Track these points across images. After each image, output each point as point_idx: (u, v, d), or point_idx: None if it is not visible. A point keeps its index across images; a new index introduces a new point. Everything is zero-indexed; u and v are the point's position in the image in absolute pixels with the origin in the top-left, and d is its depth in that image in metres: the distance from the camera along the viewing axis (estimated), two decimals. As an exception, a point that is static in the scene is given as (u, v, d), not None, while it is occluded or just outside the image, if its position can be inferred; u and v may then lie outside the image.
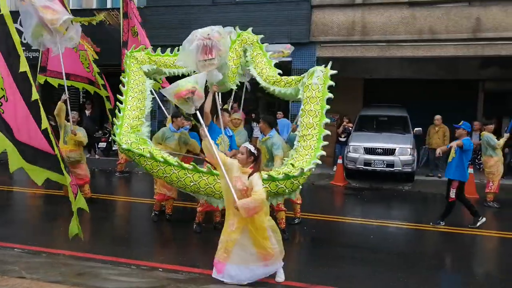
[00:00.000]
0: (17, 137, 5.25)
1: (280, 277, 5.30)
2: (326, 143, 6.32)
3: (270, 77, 7.48)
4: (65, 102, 8.39)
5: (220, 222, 7.12)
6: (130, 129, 6.75)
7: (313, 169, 6.09)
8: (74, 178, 6.03)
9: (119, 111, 7.06)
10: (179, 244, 6.91)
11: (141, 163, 6.39)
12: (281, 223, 6.98)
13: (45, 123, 5.18)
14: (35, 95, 5.13)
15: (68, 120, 8.60)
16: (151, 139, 7.14)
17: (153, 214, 7.95)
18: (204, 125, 5.71)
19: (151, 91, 7.85)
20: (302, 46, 13.10)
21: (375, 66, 14.91)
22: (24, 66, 5.09)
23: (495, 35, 12.40)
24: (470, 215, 7.99)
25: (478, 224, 7.82)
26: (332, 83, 6.66)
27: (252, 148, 5.22)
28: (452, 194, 7.81)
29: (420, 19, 12.82)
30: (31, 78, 5.16)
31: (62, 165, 5.25)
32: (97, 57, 11.14)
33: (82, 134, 8.69)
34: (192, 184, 6.05)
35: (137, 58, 7.81)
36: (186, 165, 6.14)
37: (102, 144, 15.04)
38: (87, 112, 15.05)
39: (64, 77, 8.68)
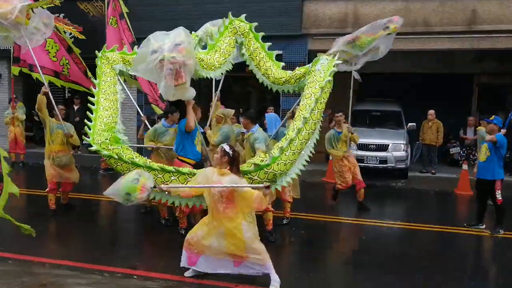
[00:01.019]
0: None
1: (275, 285, 4.98)
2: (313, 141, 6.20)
3: (278, 78, 7.07)
4: (46, 94, 7.58)
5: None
6: (105, 127, 6.46)
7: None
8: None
9: (91, 112, 6.75)
10: (160, 248, 6.57)
11: (111, 164, 6.20)
12: (268, 225, 6.68)
13: None
14: None
15: (52, 116, 7.85)
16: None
17: (163, 221, 7.36)
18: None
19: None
20: (294, 39, 12.77)
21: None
22: None
23: (491, 27, 12.12)
24: (468, 215, 7.75)
25: (474, 227, 7.51)
26: (335, 69, 6.43)
27: (227, 148, 5.07)
28: (499, 195, 7.23)
29: (414, 11, 12.50)
30: None
31: None
32: (83, 37, 10.44)
33: (72, 131, 7.96)
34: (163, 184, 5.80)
35: (108, 58, 7.38)
36: (155, 166, 5.94)
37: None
38: (76, 107, 14.63)
39: (39, 69, 7.97)
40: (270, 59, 7.26)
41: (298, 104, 6.52)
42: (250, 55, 7.16)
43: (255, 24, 7.35)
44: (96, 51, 7.66)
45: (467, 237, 7.29)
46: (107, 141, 6.21)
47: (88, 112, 6.78)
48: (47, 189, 7.84)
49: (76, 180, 8.10)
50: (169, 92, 5.71)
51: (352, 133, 8.68)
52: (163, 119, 7.67)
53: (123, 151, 6.15)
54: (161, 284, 5.12)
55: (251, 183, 5.62)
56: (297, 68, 7.12)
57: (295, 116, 6.32)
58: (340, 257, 6.25)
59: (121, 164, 6.08)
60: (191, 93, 5.96)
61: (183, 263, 5.26)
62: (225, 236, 5.00)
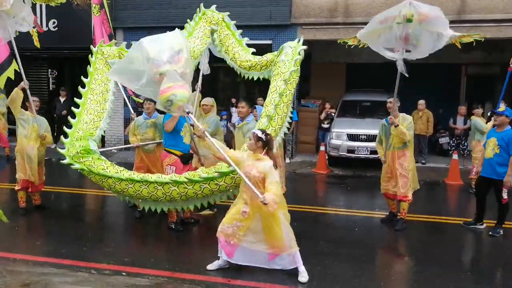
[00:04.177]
0: None
1: (304, 276, 4.99)
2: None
3: (244, 62, 7.01)
4: (23, 90, 7.09)
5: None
6: (82, 134, 6.34)
7: None
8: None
9: (73, 117, 6.61)
10: (149, 243, 6.42)
11: (85, 175, 6.24)
12: None
13: None
14: None
15: (26, 109, 7.37)
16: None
17: (173, 225, 6.74)
18: (200, 127, 5.34)
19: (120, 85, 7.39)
20: (283, 29, 12.57)
21: (358, 50, 14.47)
22: None
23: (480, 17, 12.06)
24: (458, 205, 7.67)
25: (472, 226, 7.09)
26: (300, 57, 6.26)
27: (259, 133, 5.00)
28: (505, 194, 6.78)
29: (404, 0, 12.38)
30: None
31: None
32: (38, 46, 9.71)
33: (45, 129, 7.44)
34: (136, 193, 5.90)
35: (103, 53, 7.21)
36: (124, 175, 5.90)
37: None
38: (62, 99, 14.36)
39: (20, 63, 7.19)
40: (239, 44, 7.28)
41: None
42: (221, 41, 7.31)
43: (227, 13, 7.49)
44: (91, 46, 7.45)
45: (458, 227, 7.20)
46: (78, 154, 6.10)
47: (69, 118, 6.64)
48: (17, 187, 7.39)
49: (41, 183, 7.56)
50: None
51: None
52: (144, 112, 7.42)
53: (94, 163, 6.07)
54: (151, 280, 4.98)
55: (218, 189, 5.74)
56: (265, 55, 6.97)
57: (261, 112, 6.25)
58: (335, 249, 6.15)
59: (94, 176, 6.07)
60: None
61: (223, 256, 5.17)
62: (263, 225, 4.94)
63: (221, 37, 7.30)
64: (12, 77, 7.34)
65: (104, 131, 6.85)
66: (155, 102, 7.21)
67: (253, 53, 7.17)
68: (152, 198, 5.86)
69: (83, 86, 6.95)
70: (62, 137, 6.41)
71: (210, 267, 5.25)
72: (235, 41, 7.26)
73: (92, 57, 7.20)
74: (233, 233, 5.02)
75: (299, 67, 6.24)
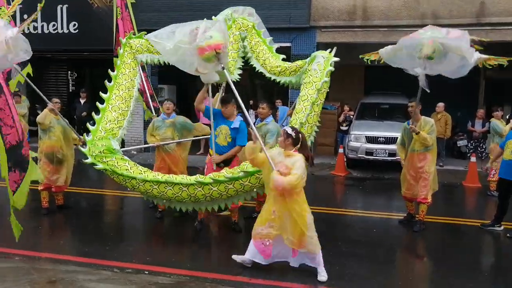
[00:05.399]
0: None
1: (323, 276, 5.04)
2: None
3: (275, 67, 7.14)
4: (52, 111, 7.08)
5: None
6: (104, 133, 6.34)
7: None
8: (18, 174, 5.40)
9: (97, 113, 6.62)
10: (170, 243, 6.45)
11: (108, 175, 6.19)
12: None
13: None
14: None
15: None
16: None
17: (196, 222, 6.77)
18: (252, 125, 5.37)
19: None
20: (302, 31, 12.63)
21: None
22: None
23: (500, 20, 11.96)
24: (476, 207, 7.61)
25: (489, 228, 7.05)
26: (332, 68, 6.27)
27: (289, 130, 5.05)
28: None
29: (423, 3, 12.34)
30: None
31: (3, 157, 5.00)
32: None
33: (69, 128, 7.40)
34: (160, 194, 5.93)
35: (132, 47, 7.21)
36: (150, 176, 5.91)
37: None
38: (82, 101, 14.58)
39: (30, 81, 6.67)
40: (270, 51, 7.40)
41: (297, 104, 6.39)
42: (251, 48, 7.40)
43: (257, 22, 7.61)
44: (121, 38, 7.48)
45: (475, 229, 7.17)
46: (101, 154, 6.08)
47: (93, 114, 6.61)
48: (40, 187, 7.32)
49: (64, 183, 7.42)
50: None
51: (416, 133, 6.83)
52: (162, 113, 7.46)
53: (117, 163, 6.06)
54: (173, 279, 5.03)
55: (242, 189, 5.77)
56: (295, 62, 7.08)
57: (290, 119, 6.29)
58: (353, 249, 6.16)
59: (117, 176, 6.04)
60: (215, 77, 5.76)
61: (257, 259, 5.19)
62: (290, 221, 4.98)
63: (252, 44, 7.40)
64: (22, 81, 7.23)
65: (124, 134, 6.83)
66: (174, 103, 7.38)
67: (283, 59, 7.29)
68: (176, 199, 5.90)
69: (110, 81, 6.91)
70: (84, 134, 6.44)
71: (235, 257, 5.33)
72: (265, 47, 7.36)
73: (120, 49, 7.21)
74: (268, 234, 5.07)
75: (329, 78, 6.25)
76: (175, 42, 5.25)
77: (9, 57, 5.77)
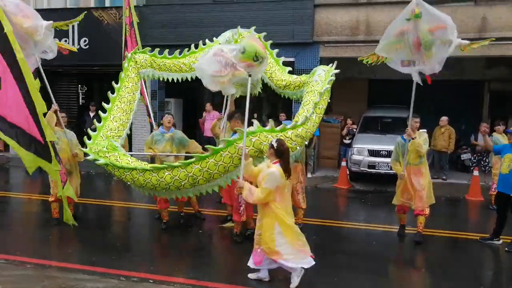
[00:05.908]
0: (10, 121, 5.40)
1: (293, 283, 5.17)
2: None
3: (280, 81, 7.36)
4: (55, 112, 7.21)
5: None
6: (105, 139, 6.53)
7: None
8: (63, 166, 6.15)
9: (99, 121, 6.83)
10: (174, 253, 6.68)
11: (110, 171, 6.29)
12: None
13: (41, 108, 5.44)
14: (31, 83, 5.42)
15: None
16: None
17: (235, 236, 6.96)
18: (244, 144, 5.49)
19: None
20: (305, 46, 12.85)
21: (379, 66, 14.62)
22: (19, 53, 5.35)
23: (502, 35, 12.10)
24: (479, 221, 7.70)
25: (488, 242, 7.14)
26: (333, 78, 6.50)
27: (273, 141, 5.17)
28: None
29: (425, 18, 12.55)
30: (23, 65, 5.37)
31: (52, 152, 5.57)
32: (75, 50, 9.03)
33: (75, 142, 7.57)
34: (159, 182, 5.86)
35: (136, 61, 7.46)
36: (148, 167, 5.96)
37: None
38: (91, 114, 14.84)
39: (47, 81, 6.95)
40: (277, 64, 7.58)
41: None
42: None
43: (264, 33, 7.72)
44: (126, 52, 7.70)
45: (475, 243, 7.26)
46: (105, 149, 6.25)
47: (95, 121, 6.82)
48: (51, 198, 7.58)
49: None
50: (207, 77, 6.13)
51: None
52: (161, 126, 7.58)
53: (119, 157, 6.22)
54: (176, 287, 5.23)
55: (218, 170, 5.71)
56: (299, 76, 7.31)
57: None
58: (353, 262, 6.29)
59: (118, 170, 6.08)
60: (232, 89, 6.30)
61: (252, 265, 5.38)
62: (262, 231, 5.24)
63: None
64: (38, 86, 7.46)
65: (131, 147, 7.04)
66: (173, 116, 7.61)
67: (289, 72, 7.50)
68: (175, 183, 5.81)
69: (112, 92, 7.12)
70: (85, 138, 6.56)
71: (251, 275, 5.46)
72: (272, 60, 7.55)
73: (125, 63, 7.42)
74: (258, 241, 5.28)
75: (330, 86, 6.44)
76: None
77: (37, 46, 6.62)
